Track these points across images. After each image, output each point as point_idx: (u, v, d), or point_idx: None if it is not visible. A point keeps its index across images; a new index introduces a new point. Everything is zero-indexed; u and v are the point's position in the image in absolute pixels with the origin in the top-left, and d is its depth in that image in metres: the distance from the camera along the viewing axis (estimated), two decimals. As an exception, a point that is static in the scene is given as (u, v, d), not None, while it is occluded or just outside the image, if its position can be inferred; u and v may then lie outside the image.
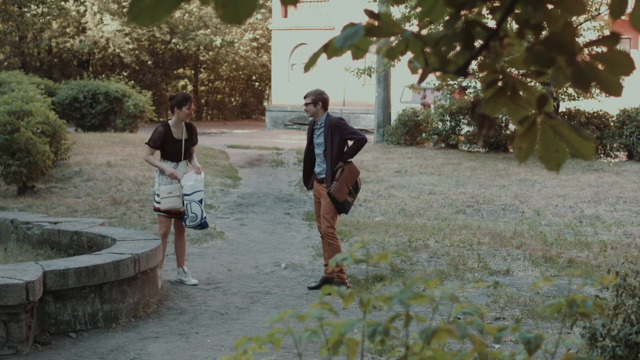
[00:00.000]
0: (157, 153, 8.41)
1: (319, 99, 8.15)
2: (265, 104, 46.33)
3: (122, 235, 7.87)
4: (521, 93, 1.94)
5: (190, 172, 8.34)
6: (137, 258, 6.95)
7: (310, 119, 8.34)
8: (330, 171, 8.04)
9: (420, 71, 1.89)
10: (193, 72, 48.01)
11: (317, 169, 8.21)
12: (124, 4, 40.18)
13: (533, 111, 1.93)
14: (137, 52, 42.17)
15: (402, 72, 24.28)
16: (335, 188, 7.95)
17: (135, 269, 6.92)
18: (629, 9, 1.87)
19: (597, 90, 20.41)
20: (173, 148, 8.27)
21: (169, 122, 8.34)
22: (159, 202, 8.23)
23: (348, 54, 1.97)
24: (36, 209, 12.19)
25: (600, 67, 1.82)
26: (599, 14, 19.09)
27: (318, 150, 8.17)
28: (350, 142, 8.17)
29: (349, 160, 8.11)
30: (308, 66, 1.96)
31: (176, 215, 8.32)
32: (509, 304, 7.37)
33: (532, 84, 2.02)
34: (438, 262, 9.23)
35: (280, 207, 13.69)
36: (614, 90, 1.84)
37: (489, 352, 2.03)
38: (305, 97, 8.21)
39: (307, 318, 2.05)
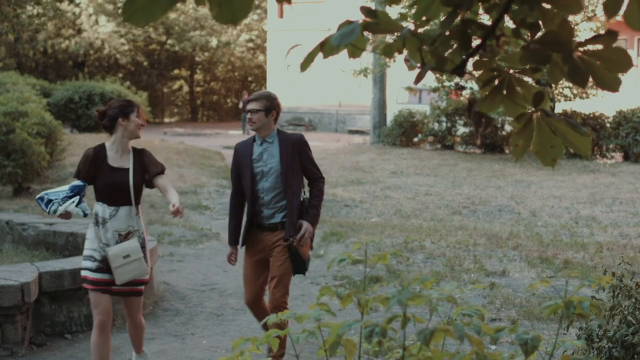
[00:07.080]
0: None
1: (273, 106, 5.42)
2: (261, 105, 46.19)
3: (118, 237, 7.83)
4: (518, 90, 1.94)
5: (132, 240, 5.08)
6: (132, 259, 6.92)
7: (246, 137, 6.00)
8: (292, 213, 5.40)
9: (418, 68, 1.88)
10: (189, 73, 48.01)
11: (265, 212, 5.47)
12: (119, 5, 40.15)
13: (529, 109, 1.93)
14: (132, 53, 42.16)
15: (398, 73, 24.32)
16: (306, 237, 5.43)
17: (131, 270, 6.89)
18: (623, 8, 1.87)
19: (594, 91, 20.46)
20: (107, 181, 5.13)
21: (106, 143, 5.26)
22: (89, 269, 5.09)
23: (344, 53, 1.95)
24: (32, 210, 12.15)
25: (597, 63, 1.82)
26: (595, 14, 19.14)
27: (266, 184, 5.44)
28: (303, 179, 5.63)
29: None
30: (305, 65, 1.95)
31: (128, 292, 5.19)
32: (505, 305, 7.37)
33: (529, 81, 2.03)
34: (434, 263, 9.22)
35: (277, 208, 13.65)
36: (612, 86, 1.84)
37: (487, 353, 2.02)
38: (250, 101, 5.44)
39: (305, 319, 2.04)
